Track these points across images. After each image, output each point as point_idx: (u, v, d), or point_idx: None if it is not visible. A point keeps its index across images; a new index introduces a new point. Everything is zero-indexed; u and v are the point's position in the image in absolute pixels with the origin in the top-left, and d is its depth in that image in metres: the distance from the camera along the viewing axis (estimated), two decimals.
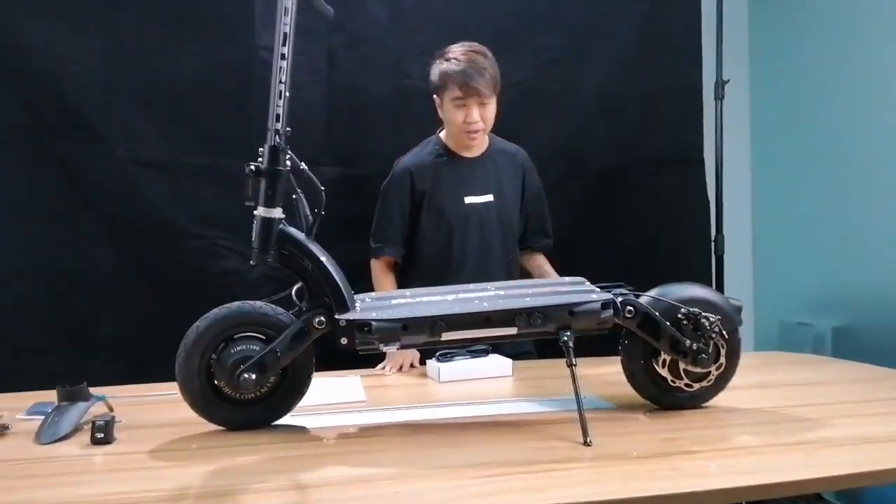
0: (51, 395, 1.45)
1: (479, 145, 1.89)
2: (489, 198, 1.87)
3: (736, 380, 1.33)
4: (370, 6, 2.24)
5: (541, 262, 2.01)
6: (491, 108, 1.81)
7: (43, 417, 1.28)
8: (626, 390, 1.34)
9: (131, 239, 2.10)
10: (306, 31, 2.22)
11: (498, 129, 2.33)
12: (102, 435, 1.18)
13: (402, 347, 1.23)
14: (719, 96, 2.40)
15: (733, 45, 2.57)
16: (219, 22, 2.15)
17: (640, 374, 1.32)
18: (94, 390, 1.49)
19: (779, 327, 2.75)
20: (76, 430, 1.25)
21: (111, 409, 1.32)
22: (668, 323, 1.26)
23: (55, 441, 1.20)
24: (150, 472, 1.07)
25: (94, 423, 1.19)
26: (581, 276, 1.39)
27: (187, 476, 1.05)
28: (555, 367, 1.46)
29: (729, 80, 2.39)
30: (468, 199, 1.86)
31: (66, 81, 2.04)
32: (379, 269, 1.89)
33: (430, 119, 2.27)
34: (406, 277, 1.90)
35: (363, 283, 1.98)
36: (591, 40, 2.37)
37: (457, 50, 1.79)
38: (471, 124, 1.79)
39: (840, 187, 2.47)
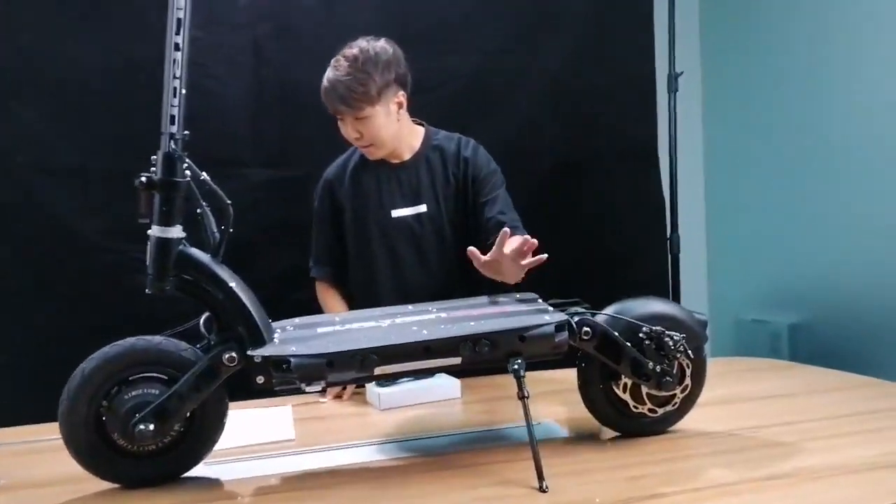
0: None
1: (388, 154, 1.63)
2: (421, 208, 1.63)
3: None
4: None
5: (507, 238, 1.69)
6: (374, 121, 1.54)
7: None
8: (583, 412, 1.21)
9: (33, 255, 1.89)
10: (228, 21, 2.04)
11: (441, 124, 2.17)
12: None
13: (329, 385, 1.06)
14: (672, 89, 2.30)
15: (685, 38, 2.48)
16: (129, 12, 1.94)
17: (599, 400, 1.19)
18: None
19: (735, 325, 2.69)
20: None
21: None
22: (628, 344, 1.13)
23: None
24: None
25: None
26: (532, 277, 1.26)
27: None
28: (507, 387, 1.31)
29: (682, 73, 2.29)
30: (395, 213, 1.63)
31: None
32: (320, 290, 1.71)
33: None
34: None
35: (297, 293, 1.82)
36: (539, 31, 2.24)
37: (337, 58, 1.56)
38: (350, 139, 1.58)
39: (795, 180, 2.42)
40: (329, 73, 1.54)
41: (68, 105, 1.91)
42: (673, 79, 2.31)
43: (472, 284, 1.51)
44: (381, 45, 1.56)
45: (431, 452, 1.20)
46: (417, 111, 2.12)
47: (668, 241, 2.32)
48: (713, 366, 1.28)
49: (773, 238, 2.54)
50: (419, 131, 1.70)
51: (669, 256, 2.31)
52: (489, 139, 2.16)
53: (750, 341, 2.61)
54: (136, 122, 1.88)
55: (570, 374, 1.22)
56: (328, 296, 1.70)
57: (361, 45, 1.55)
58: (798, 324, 2.45)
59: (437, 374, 1.54)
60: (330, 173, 1.68)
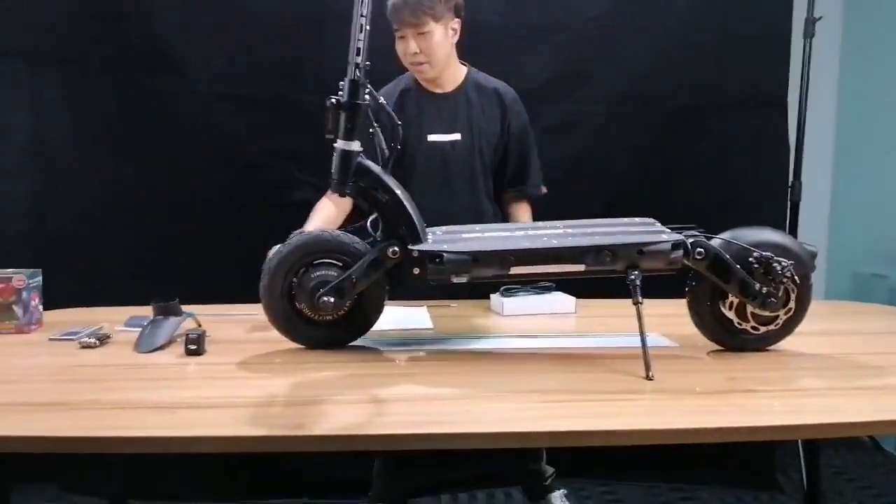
0: (144, 311, 1.58)
1: (439, 78, 1.80)
2: (456, 136, 1.78)
3: (803, 326, 1.32)
4: None
5: (516, 211, 1.92)
6: (433, 37, 1.71)
7: (140, 329, 1.40)
8: (690, 331, 1.36)
9: (211, 168, 2.20)
10: None
11: (568, 64, 2.29)
12: (195, 347, 1.29)
13: (472, 280, 1.27)
14: (809, 34, 2.27)
15: None
16: None
17: (706, 316, 1.33)
18: (182, 307, 1.62)
19: (852, 278, 2.68)
20: (170, 341, 1.36)
21: (199, 325, 1.43)
22: (738, 266, 1.26)
23: (152, 350, 1.32)
24: (239, 381, 1.17)
25: (187, 335, 1.30)
26: (651, 212, 1.40)
27: (274, 386, 1.15)
28: (618, 307, 1.48)
29: (821, 18, 2.25)
30: (431, 137, 1.78)
31: (150, 17, 2.12)
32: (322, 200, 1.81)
33: (504, 54, 2.25)
34: None
35: None
36: None
37: None
38: (407, 56, 1.74)
39: None
40: None
41: (240, 39, 2.17)
42: (810, 23, 2.28)
43: (494, 216, 1.81)
44: None
45: (550, 347, 1.40)
46: (547, 51, 2.26)
47: (790, 189, 2.33)
48: (821, 306, 1.38)
49: None
50: (463, 69, 1.86)
51: (789, 203, 2.33)
52: (615, 80, 2.28)
53: (867, 295, 2.59)
54: (298, 56, 2.19)
55: (679, 305, 1.36)
56: (319, 206, 1.79)
57: None
58: None
59: (553, 291, 1.73)
60: (380, 92, 1.85)
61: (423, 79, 1.81)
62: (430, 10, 1.70)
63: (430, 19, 1.71)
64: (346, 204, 1.80)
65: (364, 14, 1.24)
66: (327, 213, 1.78)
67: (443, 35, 1.75)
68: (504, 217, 1.93)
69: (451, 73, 1.84)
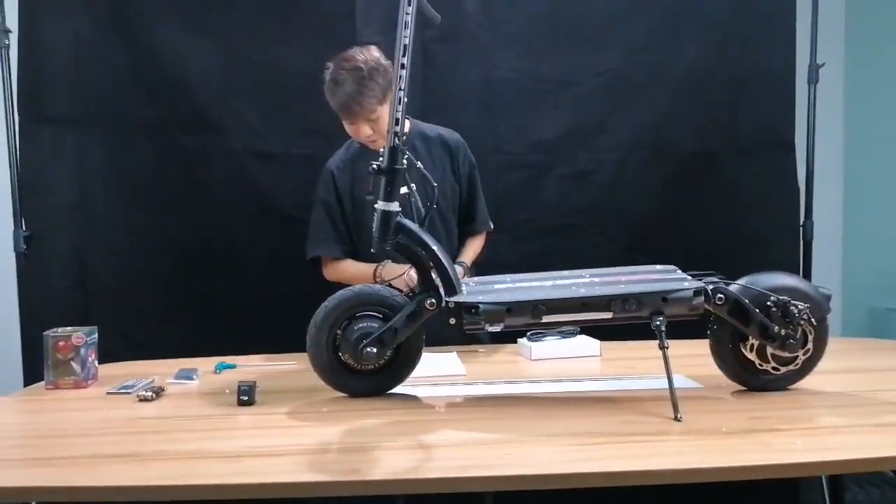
0: (191, 363, 1.67)
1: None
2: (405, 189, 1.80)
3: (822, 364, 1.39)
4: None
5: (466, 246, 1.98)
6: (382, 117, 1.78)
7: (188, 381, 1.49)
8: (713, 371, 1.43)
9: (244, 223, 2.31)
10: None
11: (586, 116, 2.40)
12: (247, 397, 1.37)
13: (506, 328, 1.35)
14: (813, 80, 2.38)
15: (829, 29, 2.52)
16: (321, 19, 2.31)
17: (728, 357, 1.40)
18: (221, 359, 1.71)
19: (867, 313, 2.73)
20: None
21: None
22: (757, 310, 1.34)
23: None
24: (292, 430, 1.25)
25: (239, 386, 1.38)
26: (667, 261, 1.48)
27: (325, 434, 1.23)
28: (641, 349, 1.56)
29: (824, 64, 2.36)
30: None
31: (187, 79, 2.26)
32: (334, 266, 1.92)
33: (521, 108, 2.38)
34: None
35: None
36: (680, 23, 2.39)
37: (335, 70, 1.77)
38: (360, 138, 1.83)
39: None
40: (340, 87, 1.75)
41: (273, 99, 2.31)
42: (814, 70, 2.39)
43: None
44: (377, 54, 1.80)
45: (580, 391, 1.47)
46: (564, 104, 2.38)
47: (802, 228, 2.41)
48: (839, 343, 1.44)
49: None
50: (406, 123, 1.90)
51: (801, 242, 2.41)
52: (631, 129, 2.39)
53: (882, 330, 2.65)
54: (326, 115, 2.30)
55: (700, 345, 1.43)
56: (346, 265, 1.91)
57: (359, 56, 1.77)
58: None
59: (578, 335, 1.81)
60: (331, 164, 1.95)
61: (377, 149, 1.87)
62: (379, 97, 1.76)
63: (378, 105, 1.77)
64: None
65: (402, 88, 1.35)
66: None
67: (388, 110, 1.80)
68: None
69: None
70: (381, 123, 1.80)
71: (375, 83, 1.76)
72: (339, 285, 1.49)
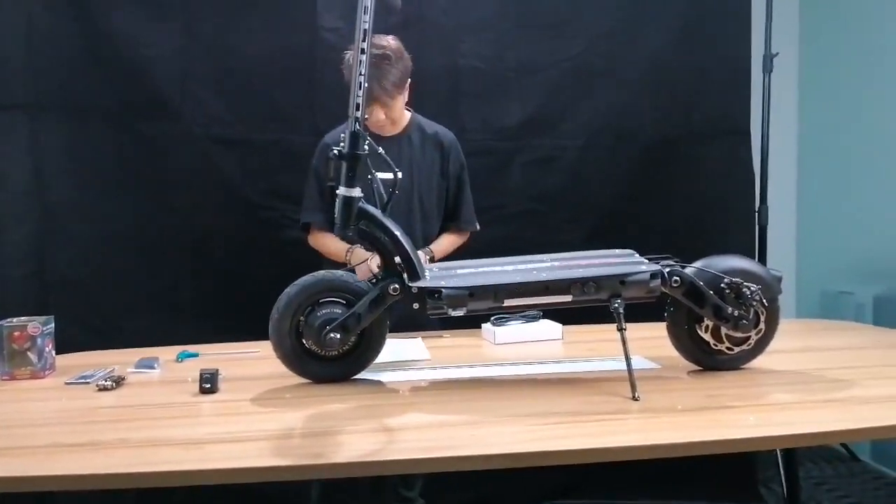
0: (152, 352, 1.65)
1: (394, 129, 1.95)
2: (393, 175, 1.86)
3: (775, 344, 1.44)
4: None
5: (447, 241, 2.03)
6: (398, 105, 1.88)
7: (149, 371, 1.48)
8: (670, 353, 1.47)
9: (208, 210, 2.29)
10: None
11: (547, 103, 2.43)
12: (209, 385, 1.36)
13: (468, 313, 1.37)
14: (768, 69, 2.44)
15: (783, 19, 2.59)
16: (281, 3, 2.29)
17: (684, 338, 1.44)
18: (183, 348, 1.69)
19: (820, 296, 2.83)
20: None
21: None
22: (711, 292, 1.38)
23: None
24: (255, 416, 1.24)
25: (201, 374, 1.37)
26: (629, 246, 1.51)
27: (288, 419, 1.23)
28: (602, 332, 1.60)
29: (777, 54, 2.42)
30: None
31: (146, 64, 2.22)
32: (316, 236, 1.97)
33: (485, 95, 2.39)
34: None
35: None
36: (642, 13, 2.44)
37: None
38: (375, 123, 1.87)
39: (883, 160, 2.51)
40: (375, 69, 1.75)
41: (234, 85, 2.28)
42: (768, 59, 2.45)
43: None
44: (397, 41, 1.85)
45: (542, 373, 1.49)
46: (528, 91, 2.40)
47: (757, 213, 2.48)
48: (791, 324, 1.50)
49: (861, 213, 2.65)
50: (408, 115, 2.01)
51: (757, 227, 2.48)
52: (591, 117, 2.43)
53: (835, 312, 2.74)
54: (288, 101, 2.30)
55: (657, 328, 1.47)
56: (327, 239, 1.94)
57: (383, 43, 1.81)
58: (883, 295, 2.57)
59: (541, 319, 1.84)
60: (329, 138, 1.96)
61: (387, 134, 1.94)
62: (398, 85, 1.84)
63: (398, 94, 1.86)
64: None
65: (363, 73, 1.35)
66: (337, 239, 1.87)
67: (403, 99, 1.91)
68: None
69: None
70: (397, 111, 1.89)
71: (398, 70, 1.83)
72: (305, 272, 1.48)
